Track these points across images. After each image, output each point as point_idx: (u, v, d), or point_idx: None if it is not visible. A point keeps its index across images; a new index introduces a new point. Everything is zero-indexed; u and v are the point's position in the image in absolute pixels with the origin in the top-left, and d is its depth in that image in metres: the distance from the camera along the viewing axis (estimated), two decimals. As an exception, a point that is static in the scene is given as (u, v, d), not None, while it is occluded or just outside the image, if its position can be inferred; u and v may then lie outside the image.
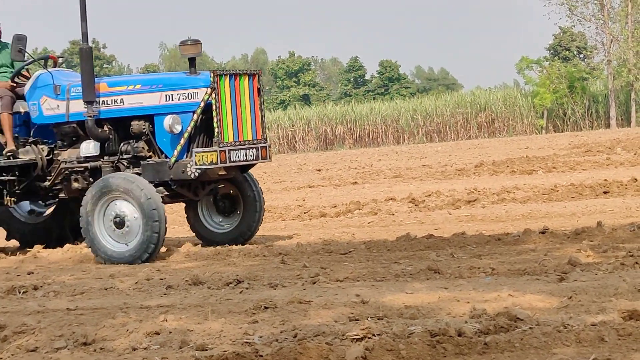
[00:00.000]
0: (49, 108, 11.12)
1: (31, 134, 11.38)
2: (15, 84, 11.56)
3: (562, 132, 41.51)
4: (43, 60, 11.67)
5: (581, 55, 51.11)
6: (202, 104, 10.40)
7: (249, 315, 6.18)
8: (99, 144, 10.88)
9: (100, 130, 10.76)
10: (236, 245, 10.74)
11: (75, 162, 11.03)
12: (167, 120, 10.47)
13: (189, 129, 10.46)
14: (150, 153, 10.80)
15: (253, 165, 10.92)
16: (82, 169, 10.98)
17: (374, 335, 5.17)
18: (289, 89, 78.45)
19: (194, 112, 10.46)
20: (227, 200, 11.40)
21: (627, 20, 40.46)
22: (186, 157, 10.49)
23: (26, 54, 11.21)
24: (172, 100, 10.67)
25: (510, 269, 7.45)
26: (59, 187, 11.25)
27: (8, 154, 11.24)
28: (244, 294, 7.22)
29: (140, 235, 10.15)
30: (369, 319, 5.70)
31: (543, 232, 9.61)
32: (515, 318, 5.25)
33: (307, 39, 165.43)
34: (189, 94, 10.58)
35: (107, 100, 10.88)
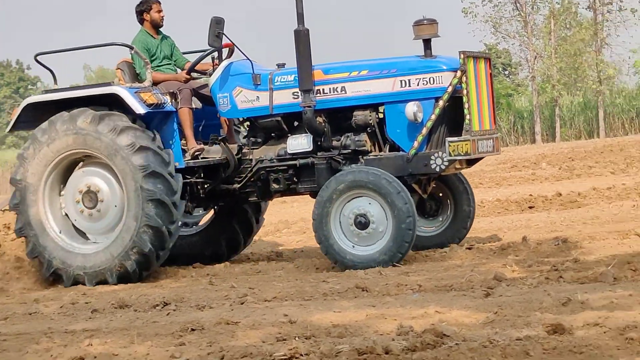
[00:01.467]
0: (246, 100, 10.03)
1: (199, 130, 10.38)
2: (191, 77, 10.51)
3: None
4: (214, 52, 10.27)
5: (506, 72, 51.78)
6: (449, 89, 9.37)
7: (175, 337, 6.12)
8: (311, 138, 9.84)
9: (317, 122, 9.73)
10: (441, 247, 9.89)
11: (275, 160, 10.01)
12: (411, 108, 9.38)
13: (433, 117, 9.41)
14: (371, 147, 9.84)
15: (481, 159, 9.94)
16: (285, 167, 9.96)
17: (301, 355, 5.15)
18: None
19: (437, 98, 9.44)
20: (433, 201, 10.32)
21: (550, 37, 41.05)
22: (426, 149, 9.51)
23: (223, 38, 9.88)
24: (409, 86, 9.57)
25: (437, 285, 7.48)
26: (248, 190, 10.25)
27: (196, 153, 10.14)
28: (170, 316, 7.15)
29: (391, 236, 9.12)
30: (297, 338, 5.68)
31: (469, 248, 9.70)
32: (442, 334, 5.26)
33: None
34: (431, 79, 9.51)
35: (324, 89, 9.78)
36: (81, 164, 10.15)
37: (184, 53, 10.92)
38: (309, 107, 9.62)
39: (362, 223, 9.22)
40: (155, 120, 9.99)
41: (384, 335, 5.58)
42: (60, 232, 10.00)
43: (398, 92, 9.57)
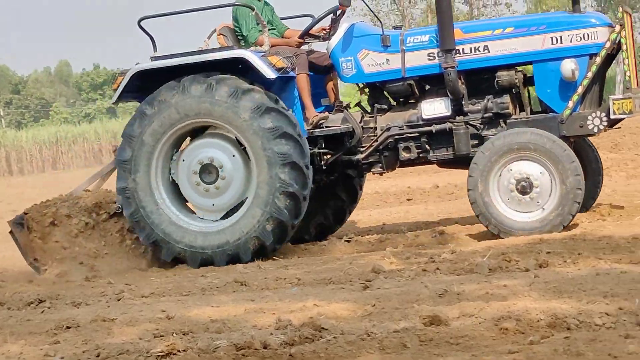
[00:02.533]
0: (373, 63, 9.37)
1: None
2: (303, 42, 9.90)
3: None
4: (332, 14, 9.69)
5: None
6: (607, 45, 8.90)
7: (50, 335, 5.99)
8: (449, 102, 9.27)
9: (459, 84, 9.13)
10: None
11: (405, 127, 9.41)
12: (569, 65, 8.87)
13: (589, 75, 8.92)
14: (512, 109, 9.30)
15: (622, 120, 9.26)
16: (417, 134, 9.37)
17: (179, 351, 5.09)
18: (94, 101, 77.07)
19: (592, 55, 8.99)
20: None
21: (428, 30, 41.66)
22: (580, 109, 9.00)
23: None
24: (562, 42, 9.03)
25: (315, 279, 7.49)
26: (372, 160, 9.58)
27: (320, 121, 9.47)
28: (45, 314, 7.00)
29: (559, 197, 8.62)
30: (174, 334, 5.61)
31: (348, 241, 9.72)
32: (320, 328, 5.26)
33: (113, 51, 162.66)
34: (586, 35, 8.97)
35: (463, 49, 9.20)
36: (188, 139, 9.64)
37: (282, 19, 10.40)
38: (452, 67, 9.10)
39: (524, 187, 8.75)
40: (274, 87, 9.36)
41: (263, 330, 5.56)
42: (179, 213, 9.39)
43: (549, 49, 9.07)
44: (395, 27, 9.72)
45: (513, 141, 8.75)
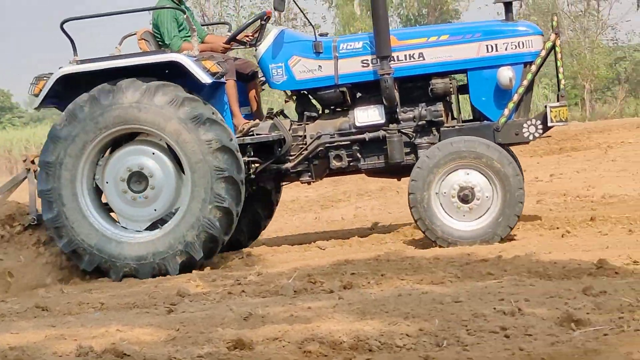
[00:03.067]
0: (305, 70, 9.21)
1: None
2: (230, 47, 9.64)
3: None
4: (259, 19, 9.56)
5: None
6: (542, 53, 8.97)
7: None
8: (383, 109, 9.15)
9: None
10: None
11: (336, 135, 9.26)
12: (507, 73, 8.88)
13: (525, 83, 8.96)
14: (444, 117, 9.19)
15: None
16: (349, 142, 9.23)
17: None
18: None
19: (526, 63, 9.04)
20: None
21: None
22: (515, 117, 9.00)
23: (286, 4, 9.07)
24: (497, 50, 9.06)
25: (119, 303, 7.34)
26: (300, 169, 9.38)
27: (251, 129, 9.23)
28: None
29: (499, 209, 8.62)
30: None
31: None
32: (122, 354, 5.15)
33: None
34: (521, 43, 9.02)
35: (398, 56, 9.10)
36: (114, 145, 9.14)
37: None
38: (388, 74, 8.99)
39: (466, 196, 8.72)
40: (203, 93, 9.01)
41: (63, 357, 5.40)
42: (103, 221, 8.98)
43: (484, 57, 9.08)
44: (321, 35, 9.61)
45: (448, 152, 8.74)
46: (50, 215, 8.91)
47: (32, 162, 9.47)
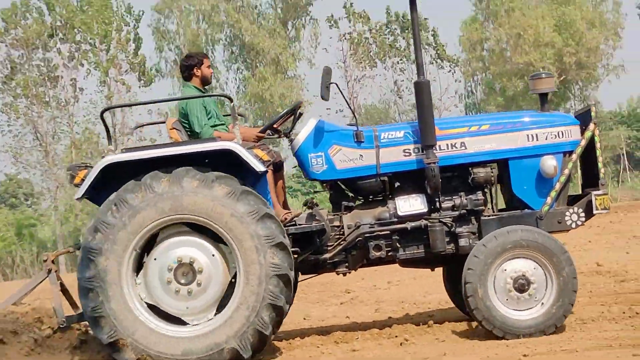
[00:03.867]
0: (346, 159, 8.99)
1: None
2: (263, 136, 9.28)
3: (11, 280, 40.71)
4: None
5: (28, 202, 51.06)
6: (583, 142, 9.01)
7: None
8: (425, 198, 9.02)
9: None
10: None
11: (376, 225, 9.02)
12: (550, 162, 8.93)
13: (566, 172, 9.03)
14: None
15: None
16: (388, 232, 8.99)
17: None
18: None
19: (565, 152, 9.08)
20: None
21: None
22: (555, 205, 9.01)
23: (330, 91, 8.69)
24: (537, 140, 9.06)
25: None
26: (337, 259, 9.05)
27: (293, 219, 8.92)
28: None
29: (554, 298, 8.50)
30: None
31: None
32: None
33: None
34: (561, 132, 9.07)
35: (440, 145, 8.98)
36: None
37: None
38: (434, 163, 8.92)
39: (522, 285, 8.56)
40: (248, 182, 8.63)
41: None
42: (147, 313, 8.38)
43: (526, 147, 9.09)
44: (349, 125, 9.46)
45: (506, 240, 8.62)
46: (92, 305, 8.38)
47: (53, 262, 9.14)
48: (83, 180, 8.60)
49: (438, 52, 44.53)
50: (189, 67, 9.76)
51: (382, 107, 45.89)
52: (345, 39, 43.09)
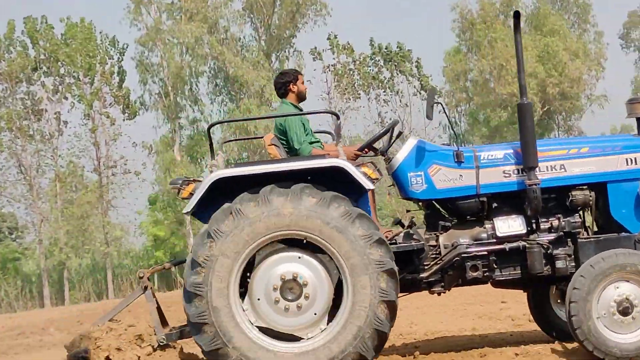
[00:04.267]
0: (446, 179, 8.97)
1: None
2: (361, 154, 9.38)
3: (-5, 314, 40.44)
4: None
5: (12, 236, 50.79)
6: None
7: None
8: (524, 220, 9.01)
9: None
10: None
11: (474, 245, 8.97)
12: None
13: None
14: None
15: None
16: (486, 252, 8.95)
17: None
18: None
19: None
20: None
21: (57, 200, 41.01)
22: None
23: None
24: (636, 164, 9.08)
25: None
26: (433, 278, 9.03)
27: (393, 237, 8.95)
28: None
29: None
30: None
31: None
32: None
33: None
34: None
35: (540, 167, 8.99)
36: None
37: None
38: (536, 185, 8.92)
39: (626, 309, 8.52)
40: (351, 200, 8.60)
41: None
42: (253, 328, 8.36)
43: (625, 170, 9.10)
44: (444, 144, 9.47)
45: (613, 263, 8.58)
46: (199, 310, 8.37)
47: (148, 279, 9.18)
48: (191, 194, 8.64)
49: (422, 83, 44.77)
50: (284, 83, 9.85)
51: (366, 139, 45.89)
52: (329, 70, 43.23)
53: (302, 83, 9.90)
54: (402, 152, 9.09)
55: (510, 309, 13.50)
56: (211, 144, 9.09)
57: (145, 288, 9.25)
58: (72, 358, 8.75)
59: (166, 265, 9.73)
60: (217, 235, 8.37)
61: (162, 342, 8.97)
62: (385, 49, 44.56)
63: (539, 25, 46.41)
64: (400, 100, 44.86)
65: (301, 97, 9.89)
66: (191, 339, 8.79)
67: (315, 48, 43.15)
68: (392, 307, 8.42)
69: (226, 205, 8.46)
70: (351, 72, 43.64)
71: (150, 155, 42.44)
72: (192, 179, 8.88)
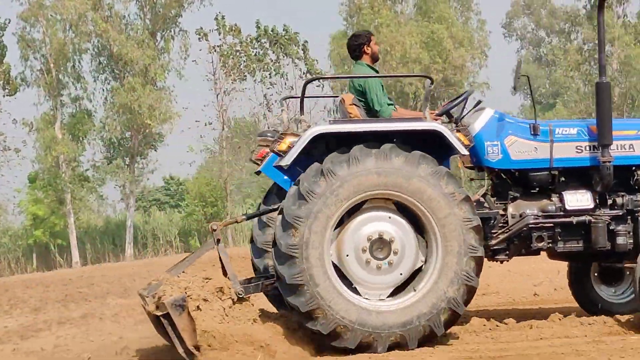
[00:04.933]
0: (521, 151, 9.31)
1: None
2: (439, 119, 9.39)
3: None
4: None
5: None
6: None
7: None
8: (591, 195, 9.36)
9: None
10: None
11: (541, 216, 9.29)
12: None
13: None
14: None
15: None
16: (553, 224, 9.28)
17: None
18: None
19: None
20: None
21: None
22: None
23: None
24: None
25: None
26: (499, 247, 9.31)
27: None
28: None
29: None
30: None
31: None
32: None
33: None
34: None
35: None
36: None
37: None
38: (609, 162, 9.28)
39: None
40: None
41: None
42: (339, 283, 8.61)
43: None
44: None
45: None
46: (294, 270, 8.59)
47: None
48: (289, 147, 8.83)
49: (307, 66, 44.84)
50: (359, 45, 9.97)
51: (252, 121, 45.83)
52: (215, 51, 42.93)
53: (375, 44, 10.06)
54: (480, 122, 9.47)
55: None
56: (302, 100, 9.14)
57: (218, 240, 9.27)
58: (171, 305, 8.51)
59: (238, 219, 9.84)
60: (310, 196, 8.55)
61: (241, 295, 8.91)
62: (272, 31, 44.46)
63: (428, 11, 46.93)
64: (286, 83, 44.91)
65: (375, 57, 10.04)
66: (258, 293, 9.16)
67: (202, 28, 42.73)
68: (479, 263, 8.78)
69: (315, 165, 8.69)
70: (237, 53, 43.36)
71: (30, 133, 41.49)
72: (282, 133, 9.02)
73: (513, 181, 9.71)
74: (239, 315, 8.78)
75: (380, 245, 8.81)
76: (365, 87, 9.64)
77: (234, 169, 43.63)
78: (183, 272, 9.21)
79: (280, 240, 8.59)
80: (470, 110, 9.72)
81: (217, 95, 42.51)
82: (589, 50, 50.09)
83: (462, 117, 9.66)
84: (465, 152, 8.96)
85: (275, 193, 10.06)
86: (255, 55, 43.99)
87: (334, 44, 47.07)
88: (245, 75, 43.74)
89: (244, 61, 43.54)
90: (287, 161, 8.84)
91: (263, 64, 44.18)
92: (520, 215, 9.45)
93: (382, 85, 9.72)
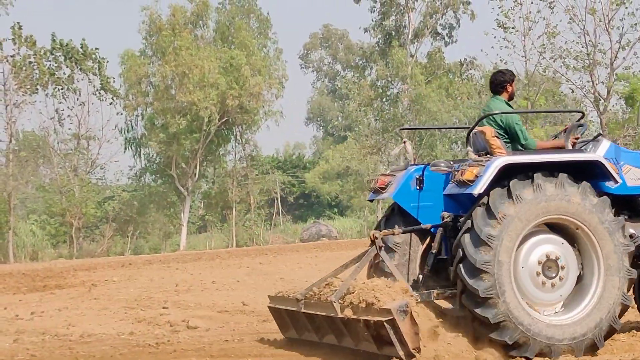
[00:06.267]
0: (635, 178, 10.28)
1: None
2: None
3: None
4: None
5: None
6: None
7: None
8: None
9: None
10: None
11: None
12: None
13: None
14: None
15: None
16: None
17: None
18: None
19: None
20: None
21: None
22: None
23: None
24: None
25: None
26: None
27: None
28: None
29: None
30: None
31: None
32: None
33: None
34: None
35: None
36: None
37: None
38: None
39: None
40: None
41: None
42: (522, 298, 9.40)
43: None
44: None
45: None
46: (485, 285, 9.29)
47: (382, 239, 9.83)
48: (477, 176, 9.54)
49: (102, 83, 44.22)
50: (503, 82, 10.66)
51: (41, 135, 44.75)
52: (7, 61, 41.72)
53: (514, 84, 10.81)
54: (600, 151, 10.31)
55: (170, 314, 13.59)
56: (469, 133, 10.21)
57: (380, 248, 9.79)
58: (397, 311, 8.86)
59: (396, 231, 10.16)
60: (503, 217, 9.37)
61: (417, 301, 9.38)
62: (67, 45, 43.63)
63: (229, 37, 47.20)
64: (78, 99, 44.10)
65: (511, 97, 10.76)
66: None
67: (-4, 38, 41.47)
68: (624, 310, 9.86)
69: (499, 189, 9.47)
70: (31, 65, 42.30)
71: None
72: (469, 164, 9.73)
73: (623, 205, 10.47)
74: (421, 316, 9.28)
75: (549, 264, 9.67)
76: (508, 123, 10.38)
77: (19, 182, 42.43)
78: (355, 279, 9.62)
79: (474, 256, 9.33)
80: (587, 140, 10.68)
81: (7, 107, 41.27)
82: (381, 87, 51.57)
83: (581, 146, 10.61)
84: (619, 180, 10.06)
85: (397, 216, 10.54)
86: (49, 68, 43.04)
87: (127, 62, 46.39)
88: (37, 88, 42.71)
89: (37, 74, 42.52)
90: (479, 189, 9.54)
91: (56, 78, 43.26)
92: (631, 237, 10.30)
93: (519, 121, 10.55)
